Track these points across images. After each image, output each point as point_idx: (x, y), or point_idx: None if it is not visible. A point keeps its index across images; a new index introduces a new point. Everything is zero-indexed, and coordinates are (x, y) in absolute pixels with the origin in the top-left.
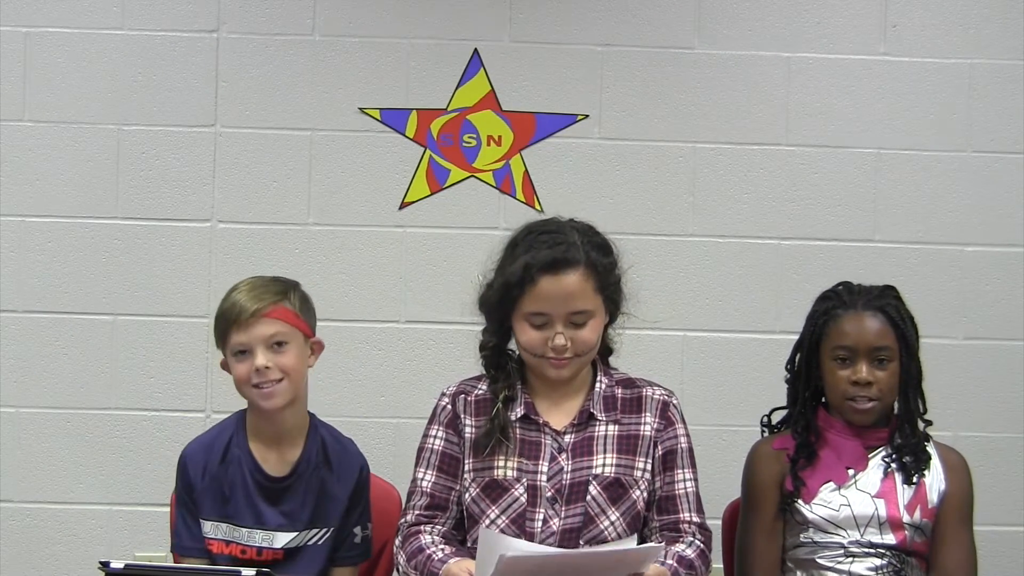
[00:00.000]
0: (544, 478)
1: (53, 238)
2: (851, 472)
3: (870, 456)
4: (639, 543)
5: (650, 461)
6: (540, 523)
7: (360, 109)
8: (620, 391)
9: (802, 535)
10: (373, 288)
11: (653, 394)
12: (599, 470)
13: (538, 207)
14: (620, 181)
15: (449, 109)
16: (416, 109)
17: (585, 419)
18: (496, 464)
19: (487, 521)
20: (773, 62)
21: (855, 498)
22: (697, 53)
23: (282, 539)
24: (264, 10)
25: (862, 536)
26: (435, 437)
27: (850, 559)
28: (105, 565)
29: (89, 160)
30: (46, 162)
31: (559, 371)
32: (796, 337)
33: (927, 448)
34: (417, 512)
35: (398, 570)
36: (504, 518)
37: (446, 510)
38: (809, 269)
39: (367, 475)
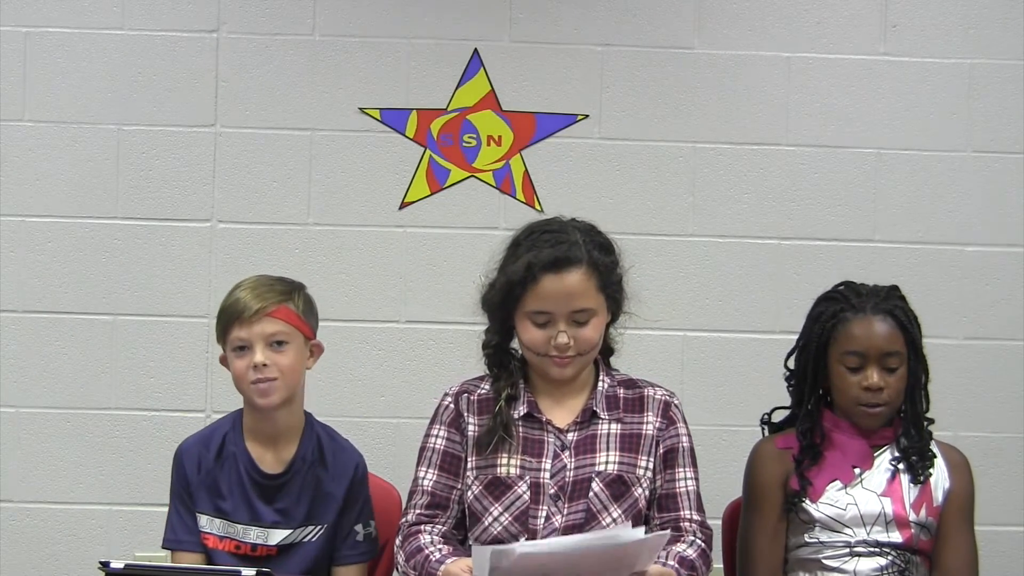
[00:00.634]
0: (547, 475)
1: (53, 238)
2: (857, 471)
3: (876, 455)
4: None
5: (652, 460)
6: (543, 520)
7: (360, 109)
8: (622, 391)
9: (807, 535)
10: (373, 288)
11: (655, 394)
12: (602, 467)
13: (538, 207)
14: (620, 181)
15: (449, 109)
16: (416, 109)
17: (588, 417)
18: (499, 462)
19: (490, 519)
20: (773, 62)
21: (861, 497)
22: (697, 53)
23: (277, 536)
24: (264, 10)
25: (868, 535)
26: (437, 436)
27: (855, 559)
28: (105, 565)
29: (89, 160)
30: (46, 162)
31: (562, 370)
32: (796, 337)
33: (931, 447)
34: (418, 511)
35: (398, 569)
36: (507, 515)
37: (447, 509)
38: (809, 269)
39: (363, 473)
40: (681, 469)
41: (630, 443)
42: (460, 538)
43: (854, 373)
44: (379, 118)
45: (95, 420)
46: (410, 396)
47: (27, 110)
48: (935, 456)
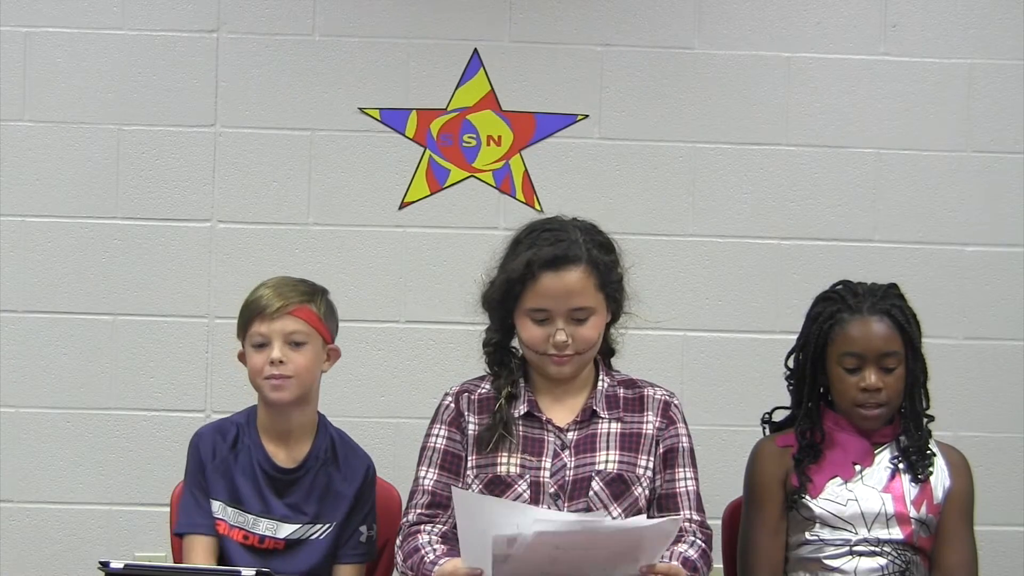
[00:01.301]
0: (547, 474)
1: (53, 238)
2: (858, 468)
3: (876, 452)
4: None
5: (652, 459)
6: None
7: (360, 109)
8: (622, 390)
9: (808, 533)
10: (373, 288)
11: (655, 394)
12: (602, 466)
13: (538, 207)
14: (620, 181)
15: (449, 109)
16: (416, 109)
17: (588, 416)
18: (499, 460)
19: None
20: (773, 62)
21: (862, 493)
22: (697, 53)
23: (286, 530)
24: (264, 10)
25: (870, 532)
26: (437, 436)
27: (856, 558)
28: (105, 565)
29: (89, 160)
30: (46, 162)
31: (560, 368)
32: (796, 337)
33: (931, 446)
34: (418, 511)
35: (397, 569)
36: None
37: (447, 508)
38: (809, 269)
39: (373, 476)
40: (681, 469)
41: (630, 442)
42: None
43: (852, 374)
44: (379, 118)
45: (95, 420)
46: (410, 396)
47: (27, 110)
48: (935, 455)
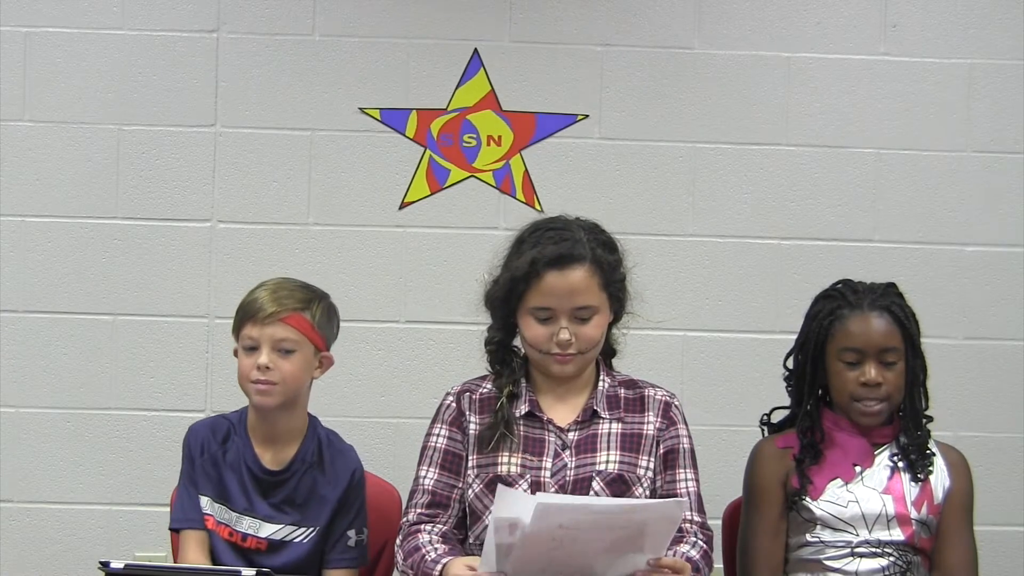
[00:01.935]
0: (548, 474)
1: (53, 238)
2: (858, 469)
3: (876, 453)
4: None
5: (653, 460)
6: None
7: (360, 109)
8: (623, 391)
9: (808, 535)
10: (373, 288)
11: (655, 394)
12: (603, 466)
13: (538, 207)
14: (620, 181)
15: (449, 109)
16: (416, 109)
17: (589, 416)
18: (500, 460)
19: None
20: (773, 62)
21: (862, 494)
22: (697, 53)
23: (268, 529)
24: (264, 10)
25: (870, 534)
26: (438, 435)
27: (857, 559)
28: (105, 565)
29: (89, 160)
30: (46, 162)
31: (563, 367)
32: (795, 337)
33: (930, 446)
34: (418, 511)
35: (398, 568)
36: None
37: (448, 508)
38: (809, 269)
39: (360, 480)
40: (682, 470)
41: (631, 443)
42: (460, 538)
43: (852, 369)
44: (379, 118)
45: (95, 420)
46: (410, 396)
47: (27, 110)
48: (934, 455)
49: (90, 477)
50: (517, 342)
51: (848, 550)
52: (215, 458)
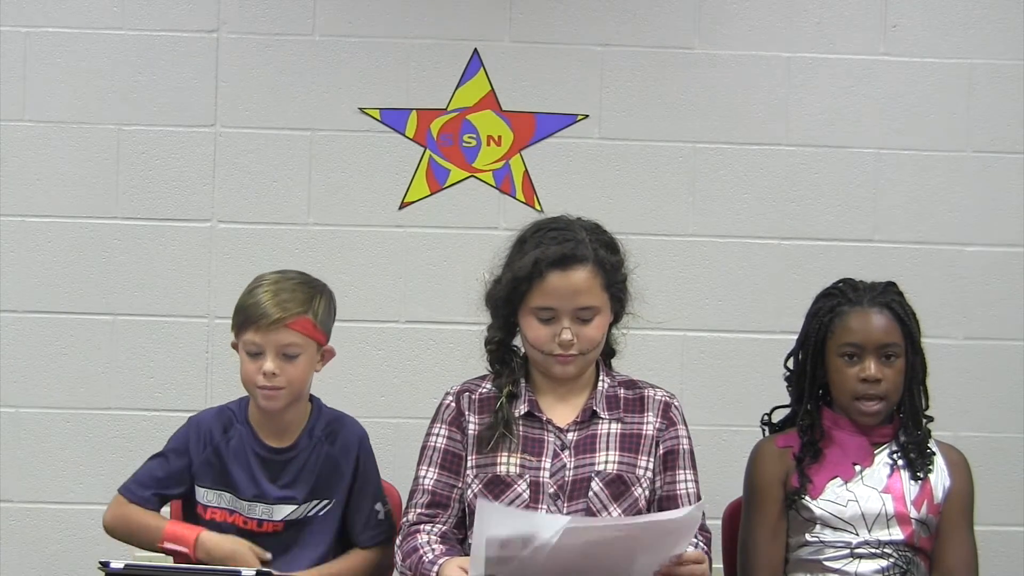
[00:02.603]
0: (547, 474)
1: (53, 238)
2: (858, 468)
3: (876, 452)
4: None
5: (652, 460)
6: None
7: (360, 109)
8: (623, 391)
9: (808, 534)
10: (373, 288)
11: (655, 395)
12: (601, 467)
13: (538, 207)
14: (620, 181)
15: (449, 109)
16: (416, 109)
17: (588, 417)
18: (499, 460)
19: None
20: (773, 62)
21: (862, 493)
22: (697, 53)
23: (282, 512)
24: (264, 10)
25: (870, 533)
26: (438, 435)
27: (856, 560)
28: (105, 565)
29: (89, 160)
30: (46, 162)
31: (565, 368)
32: (796, 337)
33: (930, 445)
34: (418, 511)
35: (397, 568)
36: None
37: (447, 508)
38: (809, 269)
39: (369, 448)
40: (681, 471)
41: (630, 443)
42: (460, 537)
43: (852, 365)
44: (379, 118)
45: (95, 420)
46: (410, 396)
47: (27, 110)
48: (934, 454)
49: (90, 477)
50: (517, 342)
51: (847, 551)
52: (218, 449)
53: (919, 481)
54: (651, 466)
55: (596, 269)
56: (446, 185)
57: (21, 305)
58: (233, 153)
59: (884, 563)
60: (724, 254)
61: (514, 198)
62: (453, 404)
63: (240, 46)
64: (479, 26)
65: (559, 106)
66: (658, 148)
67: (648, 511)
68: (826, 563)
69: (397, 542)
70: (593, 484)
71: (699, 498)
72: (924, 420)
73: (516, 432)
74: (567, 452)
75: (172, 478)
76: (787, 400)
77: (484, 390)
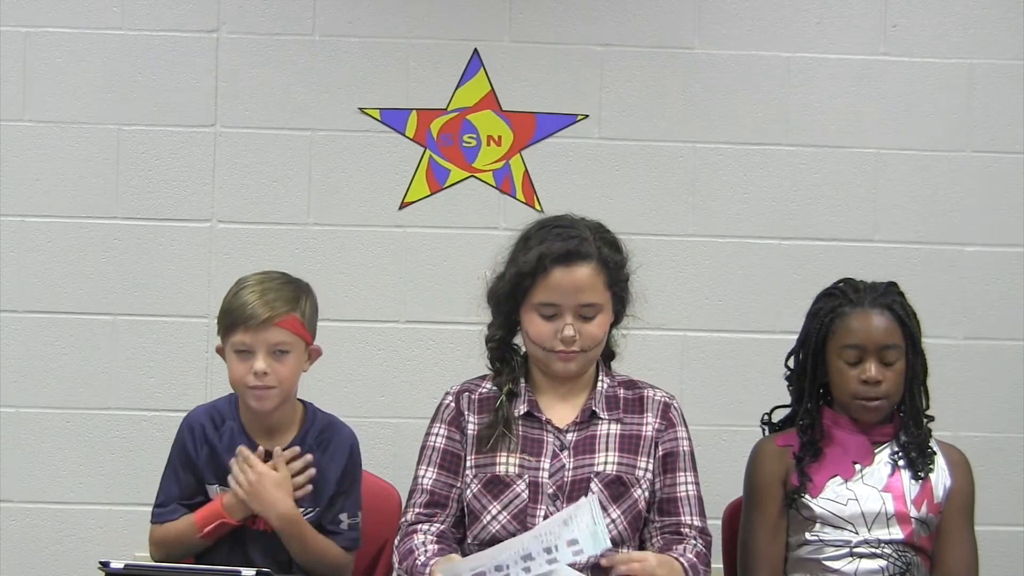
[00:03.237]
0: (546, 475)
1: (53, 238)
2: (857, 467)
3: (876, 451)
4: (639, 543)
5: (651, 461)
6: (541, 519)
7: (360, 109)
8: (622, 391)
9: (808, 533)
10: (373, 288)
11: (655, 395)
12: (601, 467)
13: (538, 207)
14: (620, 181)
15: (449, 109)
16: (416, 109)
17: (588, 417)
18: (498, 460)
19: (488, 517)
20: (773, 62)
21: (862, 492)
22: (697, 53)
23: None
24: (264, 10)
25: (870, 532)
26: (437, 435)
27: (856, 560)
28: (105, 565)
29: (89, 160)
30: (46, 162)
31: (567, 365)
32: (796, 337)
33: (931, 444)
34: (417, 510)
35: (395, 570)
36: (505, 514)
37: (446, 508)
38: (809, 269)
39: (358, 455)
40: (682, 473)
41: (629, 444)
42: (459, 537)
43: (852, 366)
44: (379, 118)
45: (95, 420)
46: (410, 396)
47: (27, 110)
48: (935, 453)
49: (90, 477)
50: (517, 340)
51: (847, 550)
52: (212, 444)
53: (920, 480)
54: (651, 467)
55: (600, 267)
56: (446, 185)
57: (21, 305)
58: (233, 153)
59: (883, 563)
60: (724, 254)
61: (514, 198)
62: (453, 404)
63: (240, 46)
64: (479, 26)
65: (559, 106)
66: (658, 148)
67: (648, 512)
68: (825, 562)
69: (396, 542)
70: (592, 485)
71: (700, 499)
72: (925, 420)
73: (516, 432)
74: (566, 453)
75: (190, 488)
76: (787, 400)
77: (484, 390)
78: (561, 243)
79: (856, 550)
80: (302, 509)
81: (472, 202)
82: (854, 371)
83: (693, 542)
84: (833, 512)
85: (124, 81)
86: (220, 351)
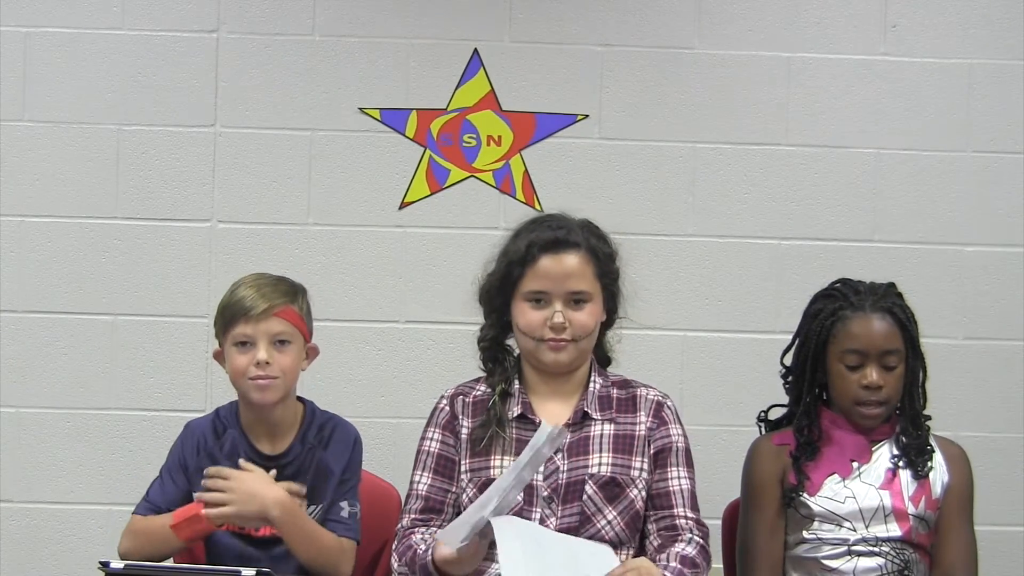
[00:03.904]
0: (540, 478)
1: (53, 238)
2: (855, 465)
3: (873, 449)
4: (639, 543)
5: (646, 460)
6: (537, 522)
7: (360, 109)
8: (615, 391)
9: (806, 532)
10: (373, 288)
11: (648, 394)
12: (595, 469)
13: (538, 207)
14: (620, 181)
15: (449, 109)
16: (416, 109)
17: (580, 419)
18: (492, 464)
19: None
20: (773, 62)
21: (860, 490)
22: (697, 53)
23: None
24: (264, 10)
25: (868, 530)
26: (431, 439)
27: (854, 558)
28: (105, 565)
29: (89, 160)
30: (46, 162)
31: (557, 355)
32: None
33: (930, 442)
34: (413, 516)
35: (396, 572)
36: None
37: (442, 513)
38: (809, 269)
39: (360, 449)
40: (674, 468)
41: (623, 444)
42: None
43: (853, 371)
44: (379, 118)
45: (95, 420)
46: (410, 396)
47: (27, 110)
48: (933, 451)
49: (90, 477)
50: (510, 341)
51: (845, 548)
52: (212, 454)
53: (919, 479)
54: (645, 467)
55: (588, 256)
56: (446, 185)
57: (21, 305)
58: (233, 153)
59: (882, 560)
60: (724, 254)
61: (514, 198)
62: (447, 408)
63: (240, 46)
64: (479, 26)
65: (559, 106)
66: (658, 148)
67: (646, 512)
68: (824, 560)
69: (393, 546)
70: (587, 487)
71: (694, 496)
72: (923, 420)
73: (510, 434)
74: (560, 455)
75: (180, 491)
76: (786, 400)
77: (478, 392)
78: (550, 232)
79: (854, 548)
80: (311, 508)
81: (472, 202)
82: (855, 375)
83: (690, 535)
84: (831, 510)
85: (124, 81)
86: (218, 355)
